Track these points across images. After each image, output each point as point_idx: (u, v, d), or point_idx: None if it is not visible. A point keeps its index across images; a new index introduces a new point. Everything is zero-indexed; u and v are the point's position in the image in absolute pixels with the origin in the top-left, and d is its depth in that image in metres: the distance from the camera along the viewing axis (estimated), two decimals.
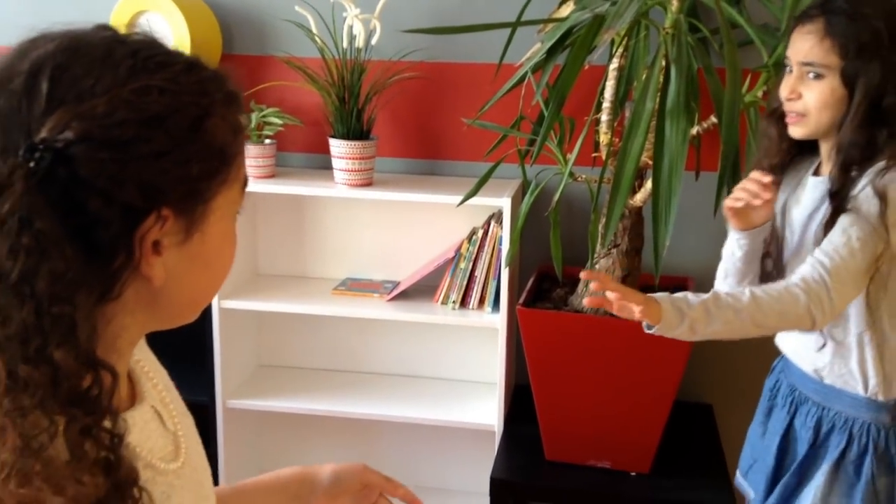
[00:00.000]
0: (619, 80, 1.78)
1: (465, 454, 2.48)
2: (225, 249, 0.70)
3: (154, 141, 0.60)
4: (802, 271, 1.35)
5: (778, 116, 1.49)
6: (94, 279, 0.60)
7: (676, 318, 1.32)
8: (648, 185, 1.80)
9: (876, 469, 1.41)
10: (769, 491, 1.55)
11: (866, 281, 1.36)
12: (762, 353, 2.25)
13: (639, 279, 1.95)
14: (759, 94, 1.74)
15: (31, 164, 0.56)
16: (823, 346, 1.45)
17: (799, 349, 1.53)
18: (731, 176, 1.55)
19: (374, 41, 2.13)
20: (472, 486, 2.45)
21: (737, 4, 1.82)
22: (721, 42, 1.76)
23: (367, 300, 2.29)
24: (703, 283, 2.16)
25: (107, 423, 0.59)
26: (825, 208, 1.41)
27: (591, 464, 2.00)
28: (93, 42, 0.62)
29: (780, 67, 1.64)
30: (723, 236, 2.17)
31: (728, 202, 1.48)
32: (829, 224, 1.37)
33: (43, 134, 0.57)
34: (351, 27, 2.13)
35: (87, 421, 0.57)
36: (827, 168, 1.46)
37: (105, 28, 0.64)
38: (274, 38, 2.30)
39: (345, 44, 2.14)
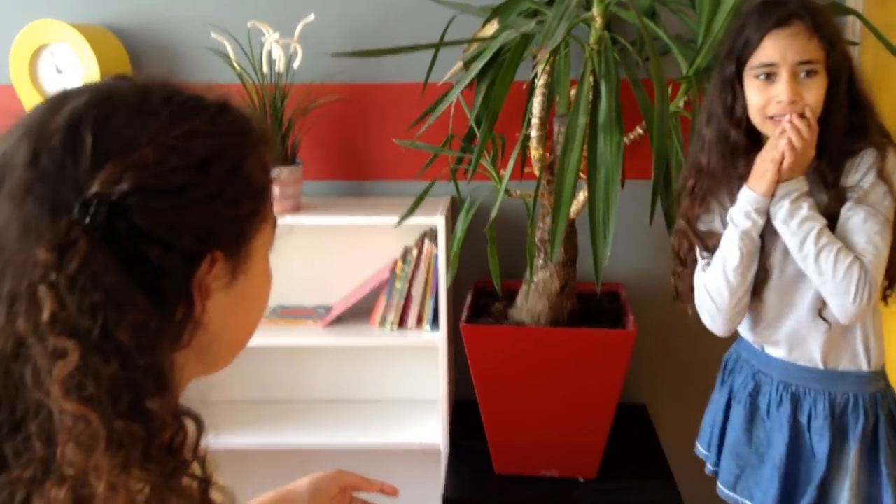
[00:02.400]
0: (545, 96, 1.81)
1: (411, 475, 2.46)
2: (264, 287, 0.71)
3: (205, 185, 0.61)
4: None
5: (746, 126, 1.49)
6: (167, 328, 0.60)
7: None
8: (580, 196, 1.84)
9: (891, 432, 1.48)
10: (785, 492, 1.52)
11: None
12: (690, 350, 2.35)
13: (575, 289, 1.99)
14: (681, 104, 1.81)
15: (87, 220, 0.55)
16: (829, 327, 1.48)
17: (802, 347, 1.53)
18: (664, 184, 1.60)
19: (295, 65, 2.10)
20: None
21: (652, 17, 1.89)
22: (641, 54, 1.83)
23: (301, 327, 2.25)
24: (634, 289, 2.24)
25: (197, 470, 0.60)
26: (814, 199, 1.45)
27: (541, 474, 2.03)
28: (123, 91, 0.62)
29: (701, 77, 1.71)
30: (652, 243, 2.25)
31: (785, 148, 1.40)
32: (831, 210, 1.43)
33: (95, 188, 0.56)
34: (270, 52, 2.09)
35: (184, 469, 0.58)
36: None
37: (124, 77, 0.64)
38: (189, 65, 2.23)
39: (265, 69, 2.10)
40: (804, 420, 1.52)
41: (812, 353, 1.52)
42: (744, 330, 1.64)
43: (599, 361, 1.89)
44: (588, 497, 1.97)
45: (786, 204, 1.43)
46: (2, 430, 0.56)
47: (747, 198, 1.47)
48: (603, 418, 1.95)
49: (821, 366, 1.52)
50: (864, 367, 1.50)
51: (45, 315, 0.54)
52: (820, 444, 1.50)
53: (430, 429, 2.24)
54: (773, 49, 1.41)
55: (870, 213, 1.41)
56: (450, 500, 1.97)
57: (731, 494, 1.63)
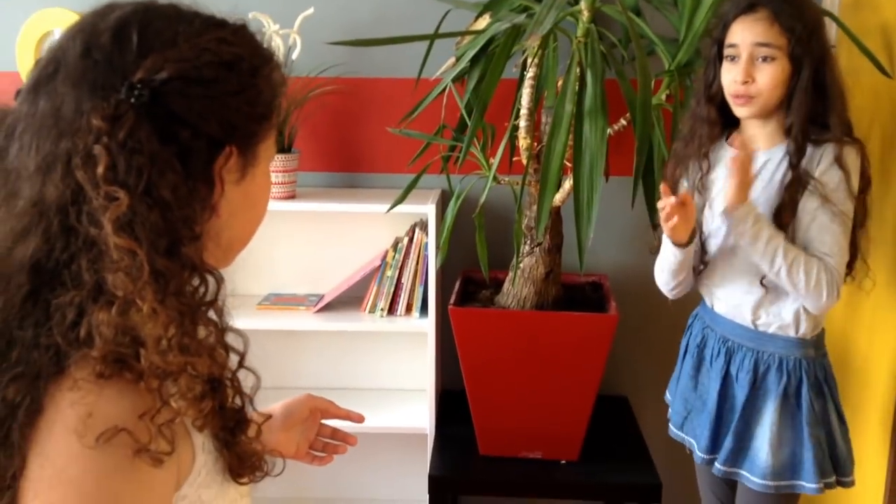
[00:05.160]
0: (534, 87, 1.89)
1: (399, 458, 2.51)
2: (266, 192, 0.82)
3: (230, 81, 0.73)
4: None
5: (718, 102, 1.63)
6: (195, 199, 0.71)
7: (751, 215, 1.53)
8: (566, 185, 1.91)
9: (812, 395, 1.60)
10: (715, 435, 1.68)
11: None
12: (669, 349, 2.41)
13: (560, 276, 2.06)
14: (664, 97, 1.89)
15: (132, 100, 0.67)
16: (763, 296, 1.61)
17: (737, 306, 1.66)
18: (645, 174, 1.67)
19: (294, 56, 2.17)
20: (408, 494, 2.49)
21: (638, 16, 1.97)
22: (626, 51, 1.91)
23: (293, 313, 2.31)
24: (618, 280, 2.31)
25: (216, 315, 0.74)
26: (780, 177, 1.57)
27: (524, 455, 2.08)
28: (160, 4, 0.74)
29: (683, 72, 1.79)
30: (633, 234, 2.33)
31: (666, 223, 1.57)
32: (791, 192, 1.54)
33: (139, 75, 0.68)
34: (269, 42, 2.16)
35: (208, 308, 0.72)
36: (765, 144, 1.61)
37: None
38: None
39: None
40: (734, 372, 1.67)
41: (744, 314, 1.65)
42: (702, 288, 1.78)
43: (582, 345, 1.95)
44: (569, 478, 2.03)
45: (748, 228, 1.53)
46: (59, 262, 0.68)
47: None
48: (585, 401, 2.02)
49: (751, 326, 1.65)
50: (792, 334, 1.61)
51: (101, 169, 0.66)
52: (739, 394, 1.65)
53: (418, 414, 2.30)
54: (737, 31, 1.56)
55: (835, 213, 1.53)
56: (434, 477, 2.03)
57: (679, 433, 1.81)
